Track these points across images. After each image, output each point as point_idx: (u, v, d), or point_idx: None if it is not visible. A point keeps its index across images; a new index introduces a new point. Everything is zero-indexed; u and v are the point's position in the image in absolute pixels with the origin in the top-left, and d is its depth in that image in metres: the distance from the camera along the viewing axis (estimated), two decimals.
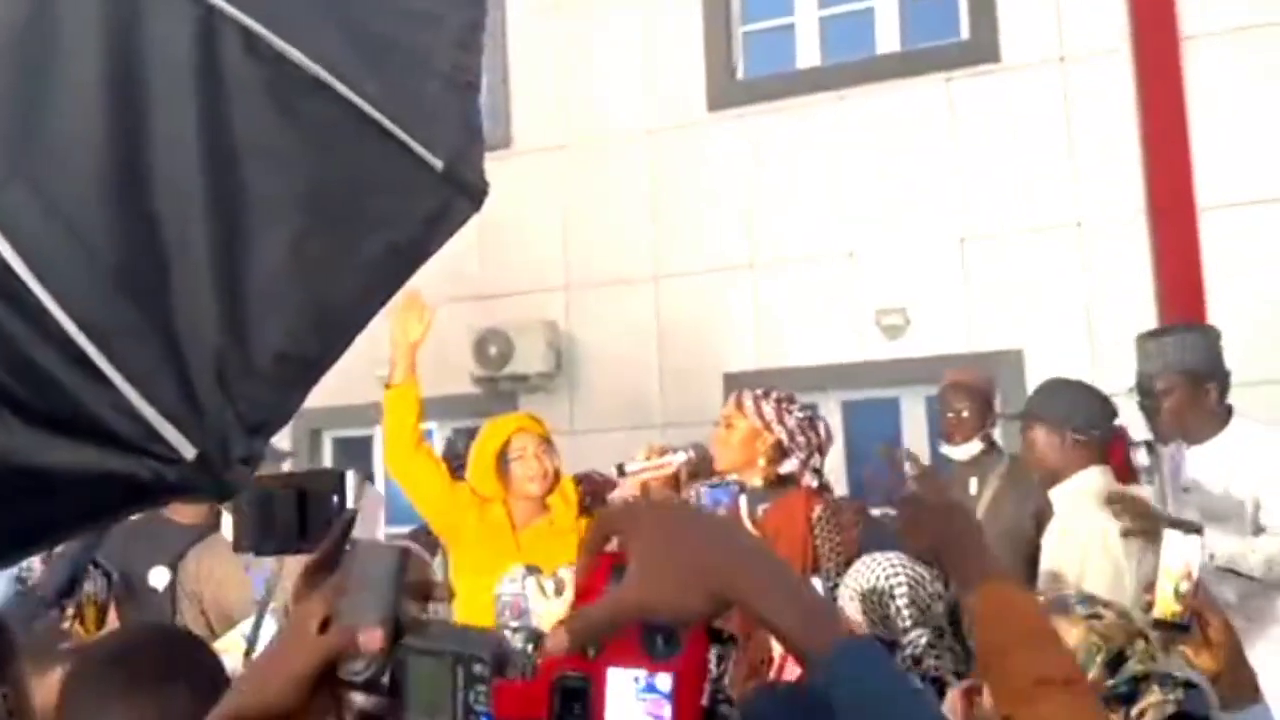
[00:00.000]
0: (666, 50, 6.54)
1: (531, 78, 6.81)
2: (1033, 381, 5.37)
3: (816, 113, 6.19)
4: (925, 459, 5.80)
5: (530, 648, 2.18)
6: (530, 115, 6.78)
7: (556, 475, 3.60)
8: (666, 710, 0.73)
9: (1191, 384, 3.17)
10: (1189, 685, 1.74)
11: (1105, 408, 3.35)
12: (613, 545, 0.79)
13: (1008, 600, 1.19)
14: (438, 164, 0.90)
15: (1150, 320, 5.29)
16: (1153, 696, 1.70)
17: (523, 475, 3.51)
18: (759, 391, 3.51)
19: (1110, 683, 1.71)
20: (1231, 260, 5.27)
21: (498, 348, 6.32)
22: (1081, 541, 3.09)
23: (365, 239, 0.86)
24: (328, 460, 6.93)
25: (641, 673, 0.74)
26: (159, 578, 3.53)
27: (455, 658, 0.75)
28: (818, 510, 3.29)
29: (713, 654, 0.77)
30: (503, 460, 3.56)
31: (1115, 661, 1.73)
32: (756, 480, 3.39)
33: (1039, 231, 5.66)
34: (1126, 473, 3.51)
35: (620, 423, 6.15)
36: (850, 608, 2.54)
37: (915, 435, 5.94)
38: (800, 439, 3.39)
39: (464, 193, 0.93)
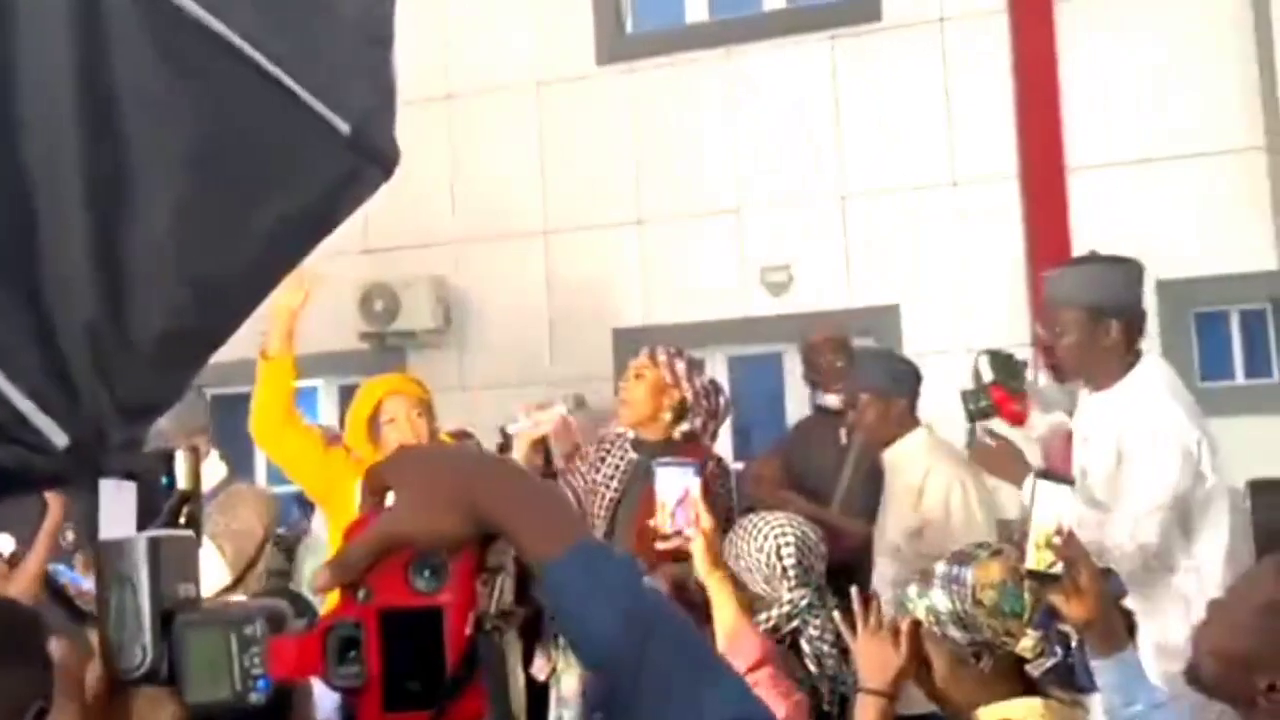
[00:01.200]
0: (555, 2, 6.47)
1: (418, 27, 6.67)
2: (909, 336, 5.57)
3: (704, 69, 6.22)
4: (807, 412, 5.97)
5: None
6: (416, 65, 6.64)
7: (434, 439, 3.50)
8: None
9: (1090, 319, 2.83)
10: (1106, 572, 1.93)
11: (915, 372, 3.58)
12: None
13: None
14: (344, 127, 0.81)
15: (1020, 278, 5.51)
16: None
17: (394, 440, 3.39)
18: (672, 349, 3.58)
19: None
20: (1099, 220, 5.50)
21: (384, 303, 6.23)
22: (940, 497, 3.25)
23: (261, 206, 0.78)
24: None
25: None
26: (5, 544, 3.43)
27: (228, 625, 0.74)
28: (710, 466, 3.40)
29: (480, 584, 0.77)
30: (375, 424, 3.47)
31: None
32: (657, 435, 3.48)
33: (917, 190, 5.81)
34: (1017, 418, 3.31)
35: (510, 379, 6.14)
36: (737, 566, 2.57)
37: (797, 389, 6.08)
38: (704, 402, 3.50)
39: (373, 159, 0.85)
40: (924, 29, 5.87)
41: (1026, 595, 1.85)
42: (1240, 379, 5.57)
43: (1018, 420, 3.29)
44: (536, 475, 0.79)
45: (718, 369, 6.20)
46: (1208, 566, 2.68)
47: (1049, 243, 5.45)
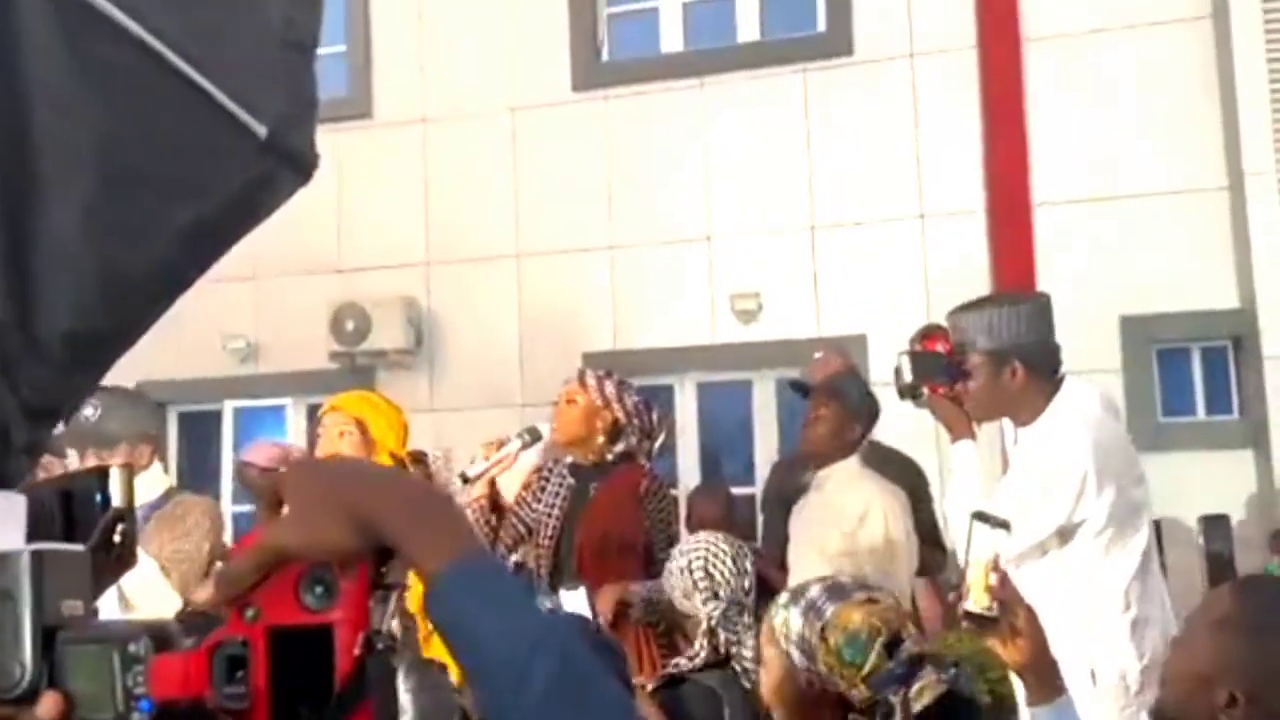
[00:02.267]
0: (532, 28, 6.52)
1: (395, 49, 6.71)
2: (876, 365, 5.61)
3: (678, 97, 6.28)
4: (774, 439, 6.01)
5: None
6: (392, 87, 6.69)
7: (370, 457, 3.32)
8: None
9: (993, 363, 2.78)
10: (956, 665, 1.86)
11: (877, 410, 3.62)
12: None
13: None
14: (260, 130, 0.79)
15: None
16: (928, 677, 1.81)
17: (318, 455, 3.37)
18: (600, 372, 3.63)
19: (889, 665, 1.82)
20: (1063, 255, 5.58)
21: (355, 323, 6.23)
22: (881, 527, 3.29)
23: (171, 207, 0.76)
24: (173, 435, 6.72)
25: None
26: None
27: (110, 642, 0.71)
28: (645, 484, 3.49)
29: (374, 602, 0.75)
30: (316, 437, 3.47)
31: (892, 644, 1.83)
32: (591, 457, 3.52)
33: (885, 222, 5.87)
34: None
35: (479, 400, 6.15)
36: (668, 584, 2.69)
37: (765, 417, 6.13)
38: (636, 421, 3.54)
39: (290, 164, 0.82)
40: (895, 64, 5.96)
41: (873, 655, 1.84)
42: (1201, 415, 5.65)
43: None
44: (444, 493, 0.77)
45: (687, 395, 6.24)
46: (1107, 598, 2.66)
47: (1014, 277, 5.52)
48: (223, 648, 0.73)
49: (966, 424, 2.88)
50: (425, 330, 6.46)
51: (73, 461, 3.02)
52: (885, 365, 5.58)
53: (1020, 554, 2.65)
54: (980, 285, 5.61)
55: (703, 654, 2.54)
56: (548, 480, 3.58)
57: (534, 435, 3.57)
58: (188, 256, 0.79)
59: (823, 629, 1.87)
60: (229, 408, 6.73)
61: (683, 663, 2.59)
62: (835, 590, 1.95)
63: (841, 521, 3.33)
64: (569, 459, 3.60)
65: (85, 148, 0.72)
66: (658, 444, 3.67)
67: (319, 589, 0.74)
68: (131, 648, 0.71)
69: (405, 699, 2.10)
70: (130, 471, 0.95)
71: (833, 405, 3.49)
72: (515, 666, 0.71)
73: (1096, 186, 5.64)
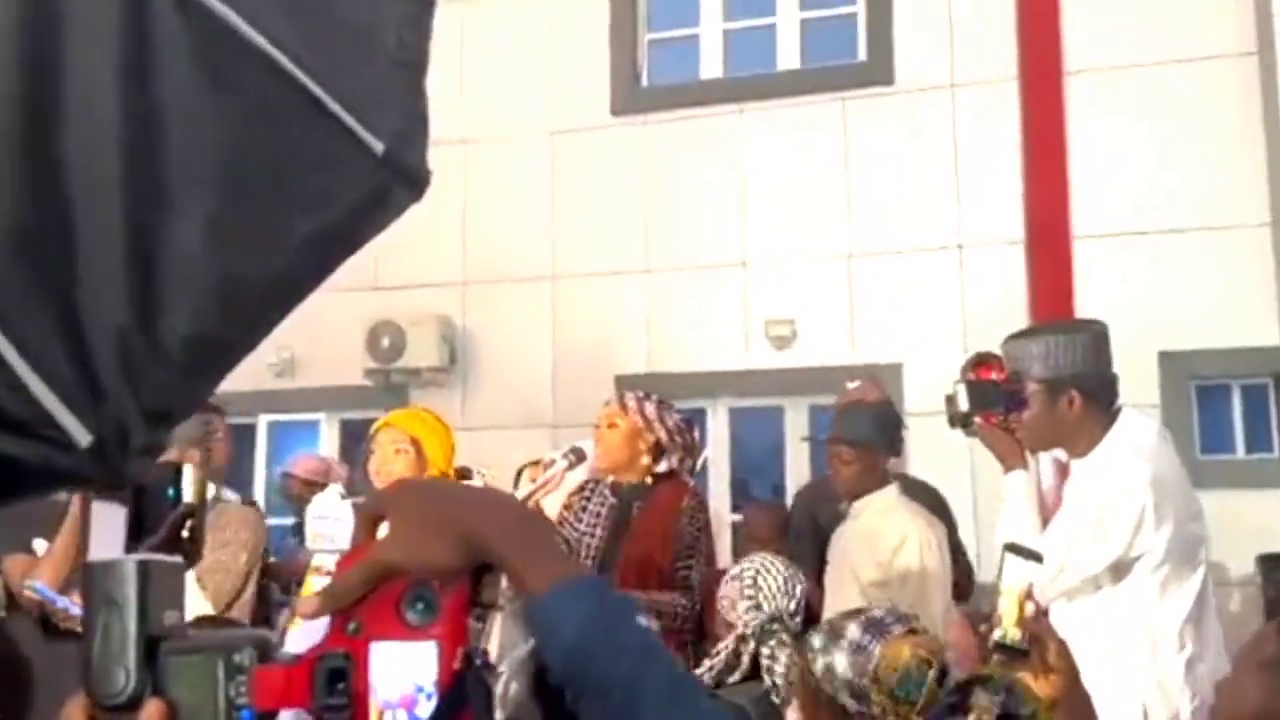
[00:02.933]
0: (572, 52, 6.58)
1: (437, 70, 6.70)
2: (911, 394, 5.59)
3: (716, 123, 6.30)
4: (806, 466, 5.98)
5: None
6: (434, 108, 6.67)
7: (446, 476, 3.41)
8: (429, 678, 0.74)
9: (1049, 392, 2.73)
10: (1009, 689, 1.85)
11: (898, 425, 3.59)
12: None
13: None
14: (378, 147, 0.81)
15: None
16: (981, 699, 1.80)
17: (372, 472, 3.36)
18: (639, 393, 3.64)
19: (942, 695, 1.81)
20: (1102, 288, 5.54)
21: (390, 340, 6.27)
22: (916, 558, 3.27)
23: (291, 220, 0.78)
24: None
25: (403, 644, 0.75)
26: (41, 548, 3.46)
27: (215, 652, 0.73)
28: (686, 500, 3.51)
29: (474, 619, 0.77)
30: (368, 453, 3.42)
31: (941, 675, 1.84)
32: (633, 478, 3.53)
33: (923, 252, 5.86)
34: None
35: (512, 420, 6.17)
36: (722, 605, 2.70)
37: (797, 444, 6.10)
38: (678, 439, 3.55)
39: (404, 180, 0.84)
40: (935, 94, 5.95)
41: (926, 689, 1.84)
42: (1240, 453, 5.57)
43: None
44: (543, 514, 0.79)
45: (719, 420, 6.23)
46: (1162, 636, 2.62)
47: (1053, 309, 5.48)
48: (325, 660, 0.74)
49: (1019, 454, 2.83)
50: (459, 349, 6.50)
51: None
52: (921, 394, 5.59)
53: (1072, 589, 2.62)
54: (1018, 317, 5.58)
55: (722, 656, 2.55)
56: (589, 499, 3.58)
57: (578, 455, 3.57)
58: (304, 268, 0.81)
59: (874, 671, 1.86)
60: (263, 421, 6.79)
61: (707, 665, 2.60)
62: (874, 626, 1.94)
63: (877, 550, 3.32)
64: (611, 478, 3.61)
65: (211, 159, 0.74)
66: (700, 461, 3.69)
67: (420, 605, 0.75)
68: (236, 658, 0.73)
69: None
70: (205, 469, 0.97)
71: (848, 448, 3.48)
72: (626, 683, 0.73)
73: (1137, 220, 5.60)
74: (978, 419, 2.86)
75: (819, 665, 1.92)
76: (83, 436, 0.69)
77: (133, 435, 0.72)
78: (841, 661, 1.89)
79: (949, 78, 5.94)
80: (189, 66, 0.73)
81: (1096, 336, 2.84)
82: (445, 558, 0.76)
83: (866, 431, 3.50)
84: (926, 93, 5.97)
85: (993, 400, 2.85)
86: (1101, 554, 2.59)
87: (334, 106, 0.78)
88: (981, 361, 3.15)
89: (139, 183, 0.71)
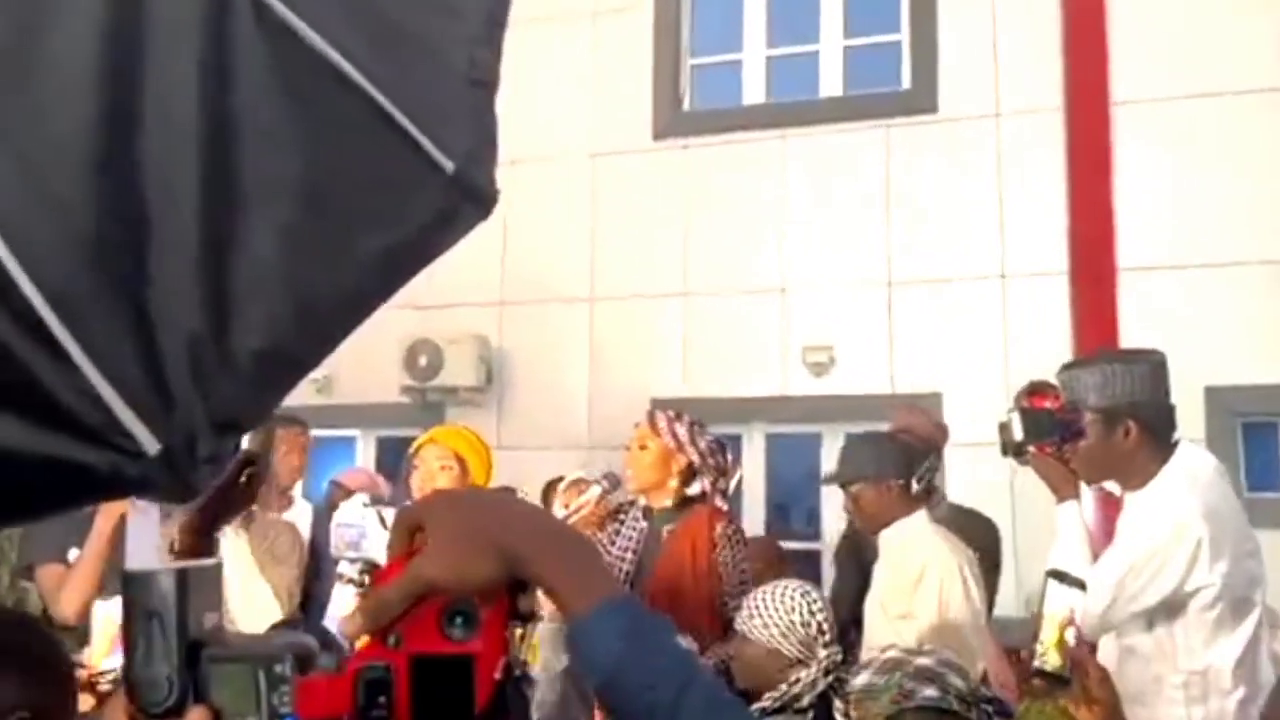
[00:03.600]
0: (615, 76, 6.61)
1: None
2: (950, 425, 5.53)
3: (758, 149, 6.30)
4: (840, 495, 5.92)
5: (366, 578, 2.19)
6: None
7: None
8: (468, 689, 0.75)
9: (1106, 422, 2.67)
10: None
11: (909, 454, 3.48)
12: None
13: None
14: (449, 165, 0.82)
15: None
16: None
17: (415, 487, 3.39)
18: (670, 414, 3.61)
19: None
20: (1147, 322, 5.46)
21: (428, 358, 6.30)
22: (935, 589, 3.21)
23: (362, 236, 0.79)
24: None
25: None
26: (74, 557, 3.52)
27: (257, 661, 0.74)
28: (720, 527, 3.44)
29: (512, 630, 0.79)
30: (410, 468, 3.46)
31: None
32: (667, 500, 3.50)
33: (964, 281, 5.81)
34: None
35: (547, 441, 6.16)
36: (766, 634, 2.69)
37: None
38: (710, 461, 3.52)
39: (473, 198, 0.85)
40: (979, 123, 5.92)
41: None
42: None
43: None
44: (584, 534, 0.79)
45: (755, 445, 6.19)
46: (1214, 675, 2.56)
47: (1096, 341, 5.41)
48: (366, 672, 0.75)
49: (1073, 485, 2.77)
50: (496, 369, 6.51)
51: None
52: (960, 425, 5.53)
53: (1122, 623, 2.56)
54: (1061, 349, 5.52)
55: (802, 681, 2.58)
56: (622, 524, 3.56)
57: (613, 482, 3.56)
58: (374, 284, 0.82)
59: None
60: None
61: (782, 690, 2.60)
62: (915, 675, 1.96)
63: (900, 582, 3.27)
64: (643, 501, 3.58)
65: (288, 174, 0.75)
66: (733, 483, 3.64)
67: (460, 620, 0.76)
68: (277, 668, 0.73)
69: None
70: (269, 427, 0.99)
71: (858, 487, 3.41)
72: (666, 705, 0.73)
73: (1183, 253, 5.53)
74: (1031, 448, 2.80)
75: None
76: (151, 445, 0.70)
77: (200, 444, 0.73)
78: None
79: (994, 107, 5.90)
80: (266, 79, 0.74)
81: (1155, 367, 2.76)
82: (484, 575, 0.76)
83: (862, 466, 3.41)
84: (971, 121, 5.94)
85: (1047, 429, 2.79)
86: (1155, 588, 2.52)
87: (406, 123, 0.79)
88: (1036, 390, 3.10)
89: (214, 192, 0.72)
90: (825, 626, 2.68)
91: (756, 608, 2.73)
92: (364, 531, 2.77)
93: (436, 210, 0.84)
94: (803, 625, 2.66)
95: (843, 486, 3.49)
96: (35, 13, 0.70)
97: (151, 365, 0.70)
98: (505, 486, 4.30)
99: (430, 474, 3.31)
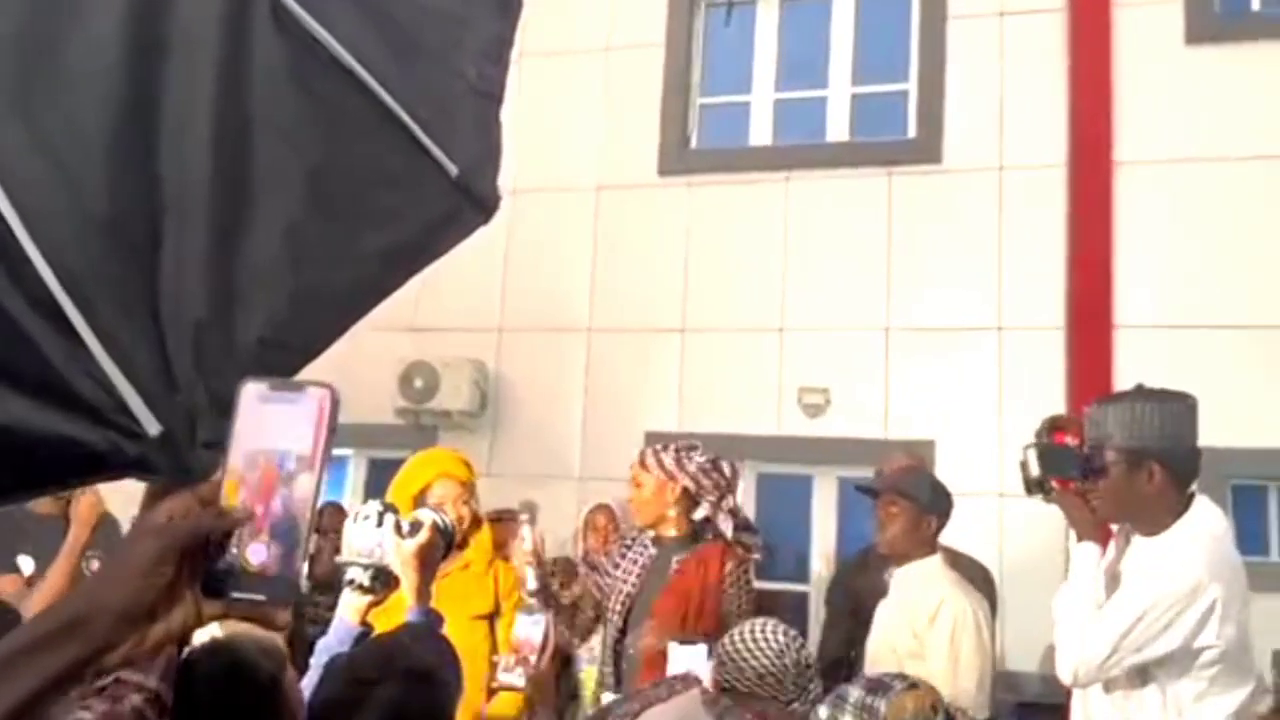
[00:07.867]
0: (624, 111, 6.66)
1: None
2: (942, 475, 5.53)
3: (762, 190, 6.34)
4: (832, 537, 5.93)
5: (376, 582, 2.17)
6: None
7: (475, 521, 3.40)
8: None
9: (1130, 462, 2.57)
10: None
11: (949, 498, 3.47)
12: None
13: None
14: (452, 169, 0.87)
15: None
16: None
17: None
18: (656, 446, 3.62)
19: None
20: (1141, 379, 5.42)
21: (423, 381, 6.30)
22: (948, 631, 3.19)
23: (366, 234, 0.82)
24: None
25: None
26: (26, 565, 3.49)
27: None
28: (729, 565, 3.43)
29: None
30: (421, 503, 3.32)
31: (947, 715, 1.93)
32: (672, 531, 3.49)
33: (962, 331, 5.83)
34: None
35: (538, 469, 6.16)
36: (752, 678, 2.60)
37: (824, 514, 6.05)
38: (706, 482, 3.51)
39: (475, 203, 0.88)
40: (983, 175, 5.97)
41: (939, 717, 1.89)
42: (1275, 556, 5.46)
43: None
44: None
45: (746, 485, 6.18)
46: None
47: (1091, 397, 5.41)
48: None
49: (1093, 528, 2.68)
50: (491, 395, 6.51)
51: None
52: (952, 473, 5.53)
53: (1117, 678, 2.52)
54: (1056, 402, 5.54)
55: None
56: (629, 547, 3.57)
57: (605, 514, 3.56)
58: (374, 282, 0.85)
59: None
60: None
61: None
62: (876, 685, 1.96)
63: (914, 621, 3.24)
64: (652, 533, 3.59)
65: (297, 173, 0.79)
66: (739, 494, 3.63)
67: None
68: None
69: None
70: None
71: (901, 503, 3.40)
72: None
73: (1180, 313, 5.56)
74: (1055, 484, 2.74)
75: None
76: (152, 425, 0.72)
77: (200, 428, 0.75)
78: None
79: (997, 160, 5.95)
80: (282, 82, 0.77)
81: (1186, 408, 2.67)
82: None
83: (923, 490, 3.43)
84: (974, 173, 5.99)
85: (1065, 465, 2.74)
86: (1164, 642, 2.46)
87: (413, 126, 0.80)
88: (1056, 426, 3.04)
89: (226, 185, 0.75)
90: (808, 659, 2.65)
91: (739, 650, 2.63)
92: (370, 535, 2.73)
93: (439, 211, 0.87)
94: (794, 664, 2.59)
95: (887, 498, 3.44)
96: (62, 11, 0.71)
97: (158, 349, 0.72)
98: (506, 510, 4.28)
99: (455, 508, 3.26)
